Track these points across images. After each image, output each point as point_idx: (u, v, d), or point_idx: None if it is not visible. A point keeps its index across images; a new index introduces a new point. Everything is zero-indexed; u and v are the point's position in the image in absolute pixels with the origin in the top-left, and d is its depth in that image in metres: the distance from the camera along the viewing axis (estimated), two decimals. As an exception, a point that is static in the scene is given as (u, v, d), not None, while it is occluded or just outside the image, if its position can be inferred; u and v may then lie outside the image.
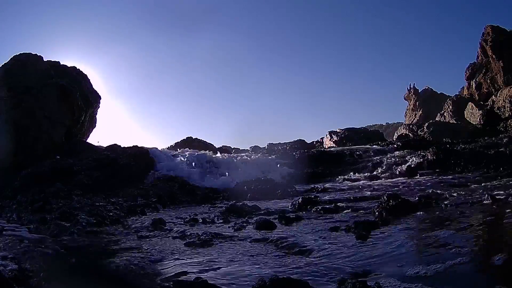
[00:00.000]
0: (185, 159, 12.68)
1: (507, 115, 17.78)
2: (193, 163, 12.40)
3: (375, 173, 11.22)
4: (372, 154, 13.65)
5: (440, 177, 9.16)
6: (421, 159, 10.93)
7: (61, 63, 15.99)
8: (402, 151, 12.92)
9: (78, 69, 16.23)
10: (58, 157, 11.65)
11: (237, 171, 11.65)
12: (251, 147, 23.94)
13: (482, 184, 7.21)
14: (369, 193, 7.50)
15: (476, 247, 3.30)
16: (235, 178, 10.89)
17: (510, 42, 21.18)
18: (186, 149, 14.51)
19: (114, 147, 13.48)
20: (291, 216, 5.43)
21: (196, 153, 13.61)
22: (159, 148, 15.20)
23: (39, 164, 10.59)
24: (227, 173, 11.80)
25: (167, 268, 3.21)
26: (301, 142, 23.24)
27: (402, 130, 25.11)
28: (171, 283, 2.72)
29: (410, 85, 37.32)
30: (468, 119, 21.33)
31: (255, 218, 5.46)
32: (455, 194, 6.22)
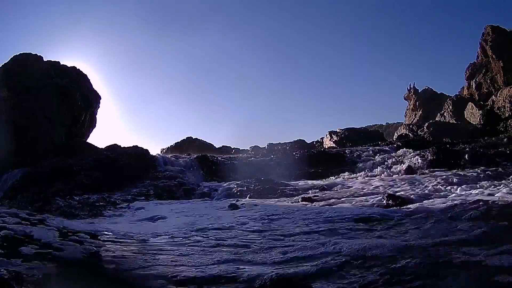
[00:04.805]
0: (184, 162, 12.71)
1: (507, 115, 17.75)
2: (192, 166, 12.41)
3: (375, 172, 11.21)
4: (371, 153, 13.64)
5: (440, 177, 9.15)
6: (421, 159, 10.94)
7: (61, 63, 16.04)
8: (402, 151, 12.91)
9: (78, 69, 16.26)
10: (58, 157, 11.65)
11: (236, 172, 11.66)
12: (251, 147, 23.93)
13: (482, 183, 7.21)
14: (368, 192, 7.49)
15: (475, 250, 3.28)
16: (235, 179, 10.91)
17: (510, 42, 21.15)
18: (184, 155, 14.58)
19: (114, 147, 13.48)
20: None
21: (195, 156, 13.63)
22: (159, 148, 15.21)
23: (39, 164, 10.61)
24: (226, 174, 11.81)
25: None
26: (301, 142, 23.24)
27: (402, 130, 25.06)
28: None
29: (410, 85, 37.17)
30: (468, 119, 21.30)
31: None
32: (454, 194, 6.22)
